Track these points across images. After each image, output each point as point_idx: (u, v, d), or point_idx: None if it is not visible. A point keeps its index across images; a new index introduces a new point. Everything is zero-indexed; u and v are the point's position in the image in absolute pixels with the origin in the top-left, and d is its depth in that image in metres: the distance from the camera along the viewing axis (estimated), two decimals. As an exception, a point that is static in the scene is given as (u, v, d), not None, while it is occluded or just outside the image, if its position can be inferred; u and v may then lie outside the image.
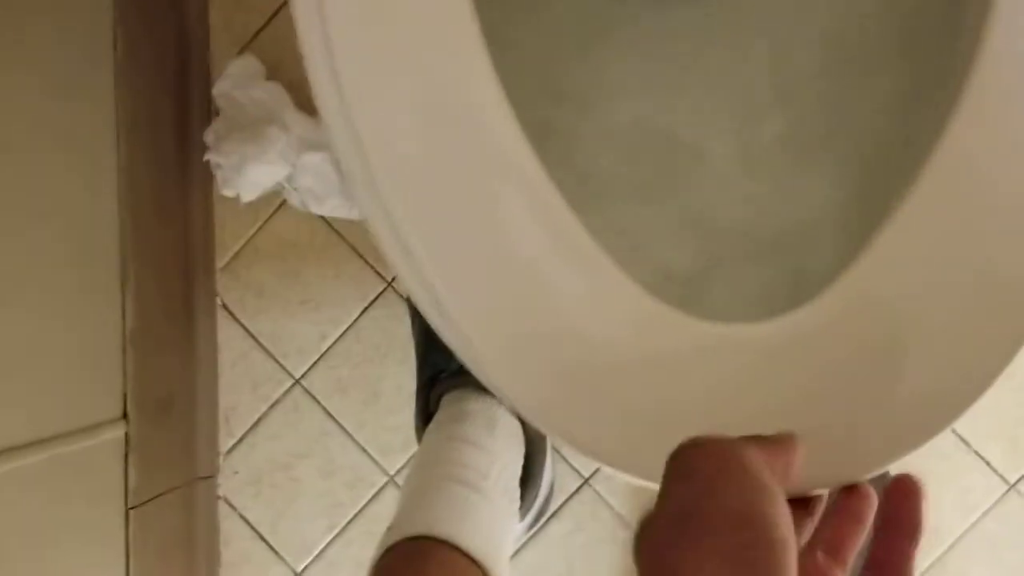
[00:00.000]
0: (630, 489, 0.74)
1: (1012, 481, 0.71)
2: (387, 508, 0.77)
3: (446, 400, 0.63)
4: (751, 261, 0.47)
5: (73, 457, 0.64)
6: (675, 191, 0.50)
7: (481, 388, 0.62)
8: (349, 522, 0.78)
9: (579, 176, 0.47)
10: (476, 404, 0.61)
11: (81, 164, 0.66)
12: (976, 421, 0.71)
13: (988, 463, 0.71)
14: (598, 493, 0.75)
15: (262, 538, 0.79)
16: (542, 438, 0.67)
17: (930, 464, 0.71)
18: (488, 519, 0.53)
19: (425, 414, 0.65)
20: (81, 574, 0.66)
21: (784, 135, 0.50)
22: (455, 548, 0.48)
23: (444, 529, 0.49)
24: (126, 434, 0.69)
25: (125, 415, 0.69)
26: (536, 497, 0.69)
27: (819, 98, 0.50)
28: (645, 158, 0.51)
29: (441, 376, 0.64)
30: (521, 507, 0.67)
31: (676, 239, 0.48)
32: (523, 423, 0.64)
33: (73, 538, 0.65)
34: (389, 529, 0.51)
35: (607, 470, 0.38)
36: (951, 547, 0.71)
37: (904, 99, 0.46)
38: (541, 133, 0.39)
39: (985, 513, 0.71)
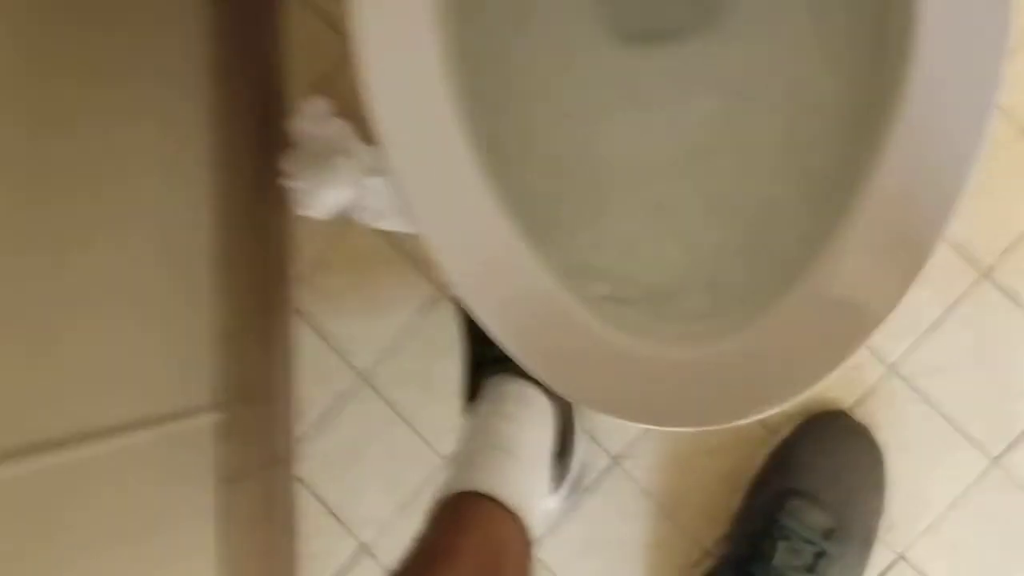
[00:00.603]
0: (655, 466, 0.83)
1: (994, 455, 0.78)
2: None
3: (487, 384, 0.72)
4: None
5: (174, 437, 0.73)
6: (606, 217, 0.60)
7: (518, 373, 0.72)
8: (409, 499, 0.87)
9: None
10: (513, 386, 0.70)
11: (182, 187, 0.77)
12: (960, 404, 0.78)
13: (972, 440, 0.78)
14: (626, 471, 0.84)
15: (333, 513, 0.88)
16: (571, 419, 0.77)
17: (919, 442, 0.78)
18: (522, 478, 0.62)
19: (470, 396, 0.75)
20: (178, 540, 0.75)
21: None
22: (494, 500, 0.57)
23: (483, 484, 0.58)
24: (218, 419, 0.79)
25: (218, 403, 0.79)
26: (570, 471, 0.78)
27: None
28: (585, 184, 0.61)
29: (483, 364, 0.74)
30: (555, 479, 0.76)
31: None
32: (555, 404, 0.74)
33: (172, 509, 0.74)
34: (439, 488, 0.62)
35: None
36: (941, 517, 0.78)
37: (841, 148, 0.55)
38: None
39: (970, 486, 0.78)
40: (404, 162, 0.51)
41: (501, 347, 0.50)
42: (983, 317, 0.78)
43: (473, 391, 0.74)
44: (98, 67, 0.66)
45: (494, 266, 0.50)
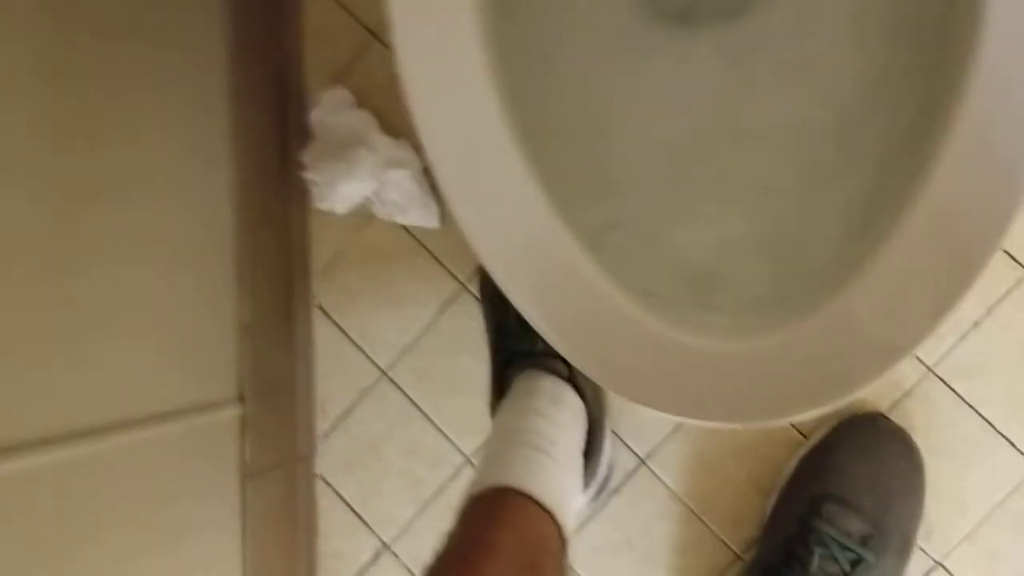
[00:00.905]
0: (683, 468, 0.82)
1: None
2: (465, 484, 0.84)
3: (518, 379, 0.71)
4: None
5: (200, 430, 0.73)
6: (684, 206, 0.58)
7: (547, 369, 0.70)
8: (430, 497, 0.86)
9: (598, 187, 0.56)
10: (544, 383, 0.69)
11: (203, 182, 0.76)
12: (1001, 406, 0.76)
13: (1013, 444, 0.76)
14: (654, 472, 0.82)
15: (354, 512, 0.87)
16: (602, 418, 0.75)
17: (958, 445, 0.76)
18: (556, 478, 0.61)
19: (499, 392, 0.73)
20: (205, 532, 0.75)
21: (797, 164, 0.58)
22: (528, 497, 0.56)
23: (520, 482, 0.57)
24: (242, 414, 0.78)
25: (241, 397, 0.78)
26: (597, 471, 0.76)
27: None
28: (626, 170, 0.59)
29: (513, 359, 0.72)
30: (584, 478, 0.75)
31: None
32: (585, 402, 0.72)
33: (200, 499, 0.74)
34: (472, 484, 0.60)
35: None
36: (980, 523, 0.76)
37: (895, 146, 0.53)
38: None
39: (1011, 491, 0.76)
40: (441, 147, 0.50)
41: (542, 336, 0.48)
42: (1025, 318, 0.75)
43: (502, 387, 0.72)
44: (114, 69, 0.65)
45: (535, 256, 0.49)
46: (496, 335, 0.76)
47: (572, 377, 0.72)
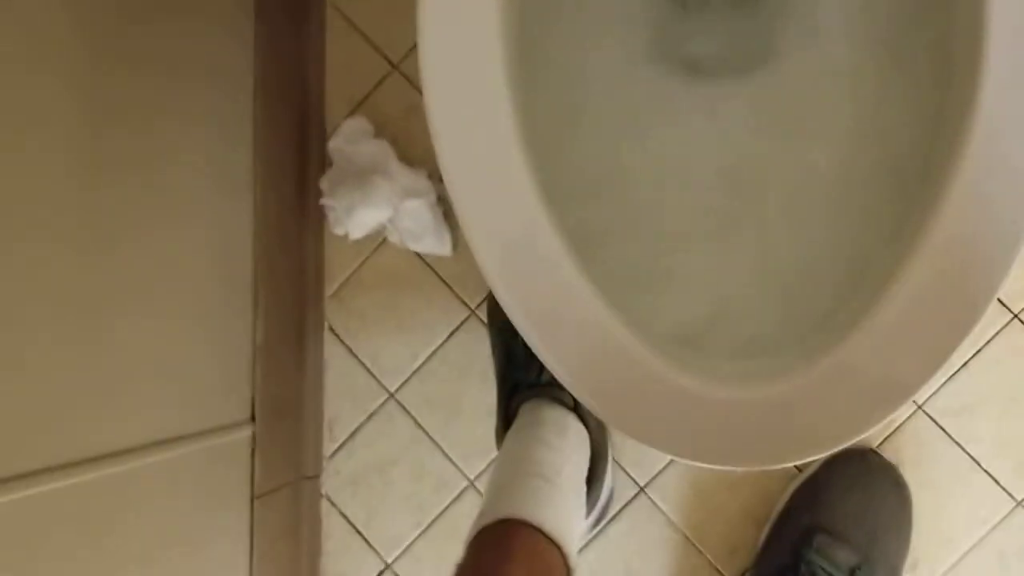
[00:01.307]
0: (681, 497, 0.84)
1: (1019, 498, 0.79)
2: (468, 508, 0.87)
3: (524, 409, 0.73)
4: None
5: (213, 451, 0.75)
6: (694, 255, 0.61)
7: (554, 399, 0.73)
8: (434, 520, 0.88)
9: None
10: (550, 412, 0.71)
11: (223, 207, 0.78)
12: (986, 443, 0.79)
13: (997, 481, 0.79)
14: (652, 500, 0.84)
15: (358, 532, 0.89)
16: (605, 446, 0.78)
17: (944, 481, 0.79)
18: (562, 507, 0.63)
19: (505, 421, 0.75)
20: (213, 551, 0.77)
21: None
22: (536, 529, 0.58)
23: (527, 513, 0.59)
24: (253, 434, 0.80)
25: (253, 418, 0.80)
26: (599, 498, 0.79)
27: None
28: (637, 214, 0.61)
29: (519, 388, 0.75)
30: (586, 505, 0.77)
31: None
32: (589, 431, 0.74)
33: (210, 519, 0.75)
34: (480, 515, 0.62)
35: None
36: (962, 558, 0.79)
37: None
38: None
39: (994, 527, 0.79)
40: (459, 174, 0.51)
41: (553, 374, 0.50)
42: (1012, 359, 0.79)
43: (508, 416, 0.75)
44: (146, 101, 0.68)
45: (546, 291, 0.51)
46: (503, 365, 0.78)
47: (577, 407, 0.74)
